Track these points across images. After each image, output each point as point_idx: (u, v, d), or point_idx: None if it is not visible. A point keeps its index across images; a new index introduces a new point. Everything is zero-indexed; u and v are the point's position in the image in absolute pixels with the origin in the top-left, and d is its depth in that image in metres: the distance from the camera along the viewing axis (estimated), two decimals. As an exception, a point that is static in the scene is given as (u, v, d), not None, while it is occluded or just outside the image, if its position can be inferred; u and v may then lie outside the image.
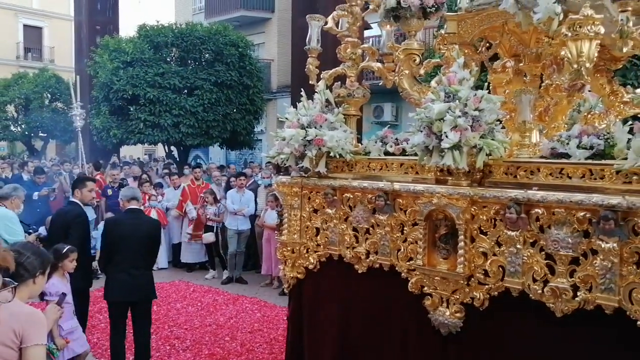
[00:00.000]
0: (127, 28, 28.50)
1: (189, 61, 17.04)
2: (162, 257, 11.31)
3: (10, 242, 5.70)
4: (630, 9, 2.85)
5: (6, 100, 25.33)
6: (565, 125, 3.62)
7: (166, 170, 14.34)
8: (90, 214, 10.14)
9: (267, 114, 22.30)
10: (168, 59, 16.86)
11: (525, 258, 3.07)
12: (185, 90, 16.47)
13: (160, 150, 24.02)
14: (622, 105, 3.84)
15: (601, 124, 3.82)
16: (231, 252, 10.28)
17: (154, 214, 11.16)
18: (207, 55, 16.98)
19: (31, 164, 13.29)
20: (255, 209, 10.44)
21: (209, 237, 10.51)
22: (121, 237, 5.54)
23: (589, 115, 3.92)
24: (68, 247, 5.21)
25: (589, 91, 4.02)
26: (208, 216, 10.56)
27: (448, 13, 3.97)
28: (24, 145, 27.97)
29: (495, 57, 4.30)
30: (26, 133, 26.26)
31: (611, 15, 3.09)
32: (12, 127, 26.16)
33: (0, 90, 25.51)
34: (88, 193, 6.25)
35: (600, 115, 3.91)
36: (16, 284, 2.83)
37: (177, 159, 18.22)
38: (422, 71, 4.41)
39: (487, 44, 4.21)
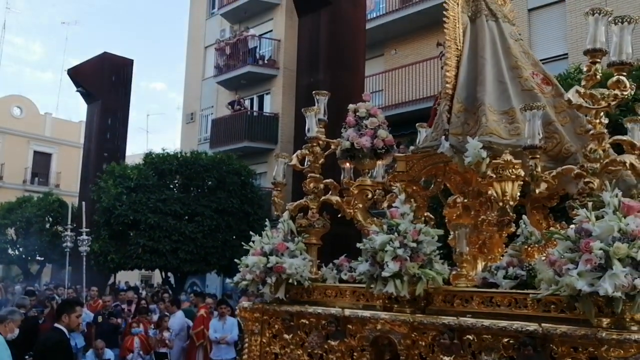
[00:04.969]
0: (135, 157, 29.52)
1: (192, 188, 17.42)
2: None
3: None
4: (538, 156, 3.24)
5: (7, 223, 25.28)
6: (502, 257, 3.89)
7: (167, 296, 14.12)
8: (80, 341, 10.13)
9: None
10: (171, 186, 17.28)
11: (460, 383, 3.22)
12: (186, 217, 16.68)
13: (157, 276, 23.86)
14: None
15: (541, 256, 4.08)
16: (219, 382, 10.04)
17: (136, 342, 10.96)
18: (209, 182, 17.29)
19: None
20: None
21: None
22: None
23: (529, 248, 4.19)
24: None
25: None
26: (164, 339, 10.40)
27: (397, 154, 4.41)
28: (20, 268, 27.42)
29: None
30: (23, 256, 25.91)
31: (530, 159, 3.47)
32: (9, 250, 25.78)
33: (3, 214, 25.60)
34: (76, 319, 5.96)
35: (540, 248, 4.18)
36: None
37: (174, 286, 18.17)
38: (385, 204, 4.76)
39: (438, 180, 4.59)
